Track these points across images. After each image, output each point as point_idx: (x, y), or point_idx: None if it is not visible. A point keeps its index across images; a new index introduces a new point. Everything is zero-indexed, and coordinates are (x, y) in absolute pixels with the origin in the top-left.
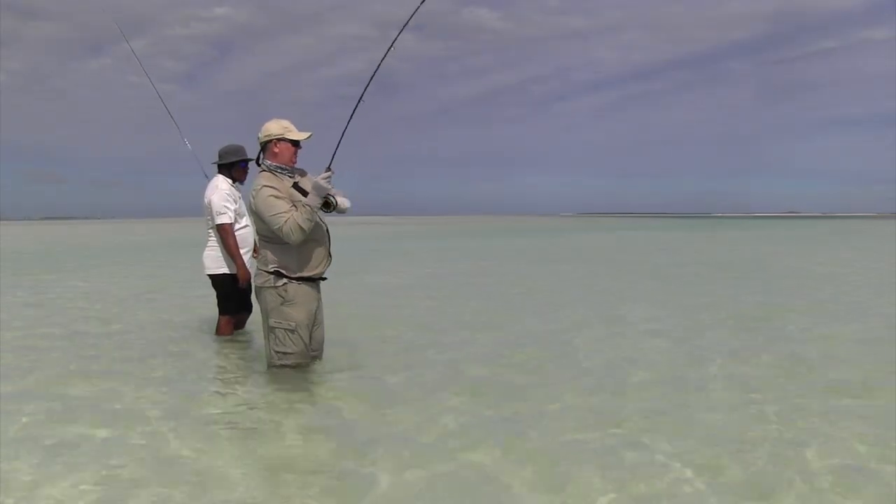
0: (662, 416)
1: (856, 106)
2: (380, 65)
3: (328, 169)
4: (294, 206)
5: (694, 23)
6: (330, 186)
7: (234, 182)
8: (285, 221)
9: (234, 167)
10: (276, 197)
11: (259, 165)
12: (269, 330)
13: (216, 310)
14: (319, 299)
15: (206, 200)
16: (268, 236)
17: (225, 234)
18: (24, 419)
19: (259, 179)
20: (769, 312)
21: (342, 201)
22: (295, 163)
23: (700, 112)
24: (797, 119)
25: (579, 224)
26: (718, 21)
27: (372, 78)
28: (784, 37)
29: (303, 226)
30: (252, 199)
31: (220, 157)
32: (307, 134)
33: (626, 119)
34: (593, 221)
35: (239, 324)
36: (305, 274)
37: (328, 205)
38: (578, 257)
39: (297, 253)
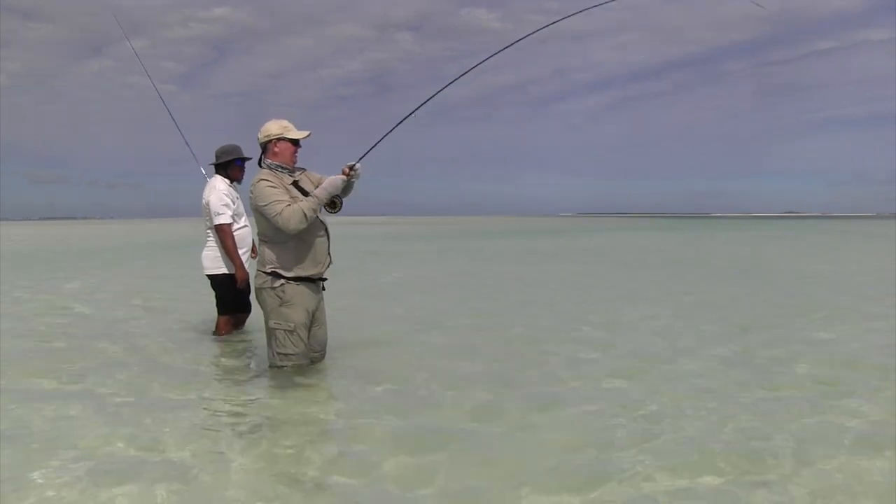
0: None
1: (854, 106)
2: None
3: (353, 167)
4: (293, 199)
5: (692, 24)
6: (342, 185)
7: (231, 182)
8: (285, 207)
9: (230, 166)
10: (273, 187)
11: (260, 166)
12: (270, 331)
13: (215, 310)
14: (321, 299)
15: (204, 201)
16: (267, 235)
17: (223, 235)
18: (17, 414)
19: (257, 176)
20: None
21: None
22: (295, 162)
23: (699, 113)
24: (796, 119)
25: (581, 224)
26: (717, 22)
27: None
28: (783, 37)
29: (307, 213)
30: (250, 196)
31: (216, 157)
32: (306, 133)
33: (625, 120)
34: (593, 222)
35: (238, 323)
36: (303, 274)
37: (333, 204)
38: (622, 262)
39: (296, 252)
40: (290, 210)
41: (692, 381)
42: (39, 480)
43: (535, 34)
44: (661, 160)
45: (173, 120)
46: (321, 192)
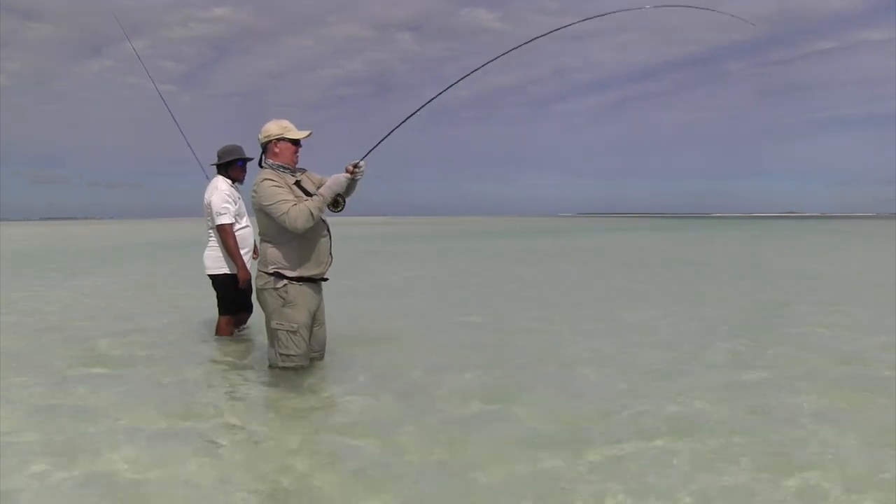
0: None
1: (854, 106)
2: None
3: (357, 165)
4: (298, 198)
5: (692, 24)
6: (346, 184)
7: (233, 182)
8: (292, 206)
9: (230, 166)
10: (278, 186)
11: (261, 166)
12: (272, 332)
13: (216, 310)
14: (321, 300)
15: (205, 201)
16: (270, 235)
17: (225, 235)
18: (22, 415)
19: (260, 175)
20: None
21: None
22: (296, 162)
23: (699, 113)
24: (796, 119)
25: (580, 225)
26: (717, 22)
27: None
28: (783, 37)
29: (314, 212)
30: (253, 195)
31: (218, 157)
32: (306, 132)
33: (625, 120)
34: (593, 222)
35: (239, 324)
36: (306, 274)
37: (336, 203)
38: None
39: (298, 252)
40: (297, 209)
41: (688, 377)
42: (27, 470)
43: (540, 38)
44: (661, 160)
45: (175, 121)
46: (326, 191)
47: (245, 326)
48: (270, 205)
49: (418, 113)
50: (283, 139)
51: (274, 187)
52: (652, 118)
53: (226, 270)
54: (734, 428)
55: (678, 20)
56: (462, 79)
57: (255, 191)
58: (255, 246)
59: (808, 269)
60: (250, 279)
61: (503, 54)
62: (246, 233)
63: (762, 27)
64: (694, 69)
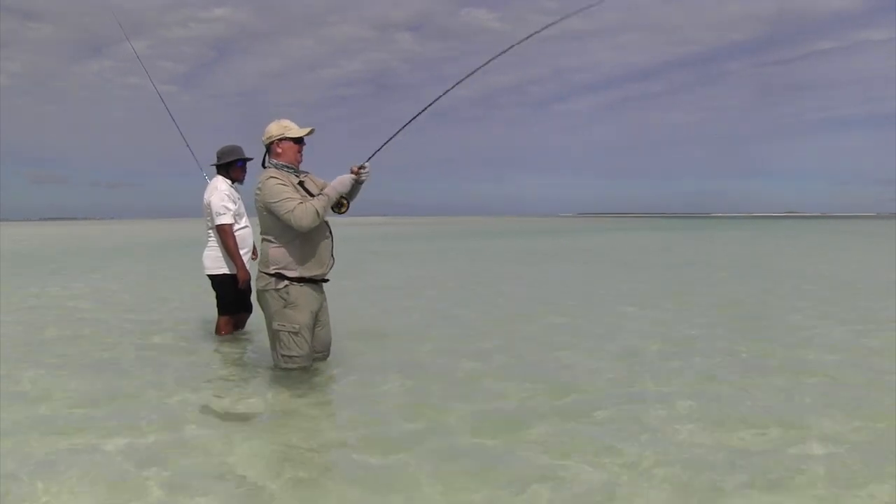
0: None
1: (854, 106)
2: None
3: (362, 166)
4: (302, 197)
5: (692, 24)
6: (350, 185)
7: (232, 182)
8: (298, 204)
9: (231, 167)
10: (283, 185)
11: (264, 167)
12: (274, 333)
13: (216, 310)
14: (323, 300)
15: (205, 201)
16: (272, 234)
17: (224, 235)
18: (19, 414)
19: (264, 174)
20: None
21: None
22: (300, 161)
23: (699, 113)
24: (795, 119)
25: (581, 225)
26: (716, 22)
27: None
28: (783, 37)
29: (319, 212)
30: (257, 194)
31: (218, 157)
32: (308, 130)
33: (625, 120)
34: (593, 222)
35: (238, 324)
36: (307, 274)
37: (340, 205)
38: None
39: (300, 253)
40: (303, 208)
41: (688, 374)
42: (29, 470)
43: (539, 33)
44: (660, 160)
45: (174, 122)
46: (331, 191)
47: (244, 331)
48: (276, 202)
49: (419, 114)
50: (285, 138)
51: (279, 185)
52: (652, 118)
53: (225, 270)
54: (731, 425)
55: (678, 20)
56: (467, 76)
57: (259, 189)
58: (255, 246)
59: (808, 268)
60: (249, 279)
61: (507, 50)
62: (245, 233)
63: (762, 27)
64: (694, 69)
